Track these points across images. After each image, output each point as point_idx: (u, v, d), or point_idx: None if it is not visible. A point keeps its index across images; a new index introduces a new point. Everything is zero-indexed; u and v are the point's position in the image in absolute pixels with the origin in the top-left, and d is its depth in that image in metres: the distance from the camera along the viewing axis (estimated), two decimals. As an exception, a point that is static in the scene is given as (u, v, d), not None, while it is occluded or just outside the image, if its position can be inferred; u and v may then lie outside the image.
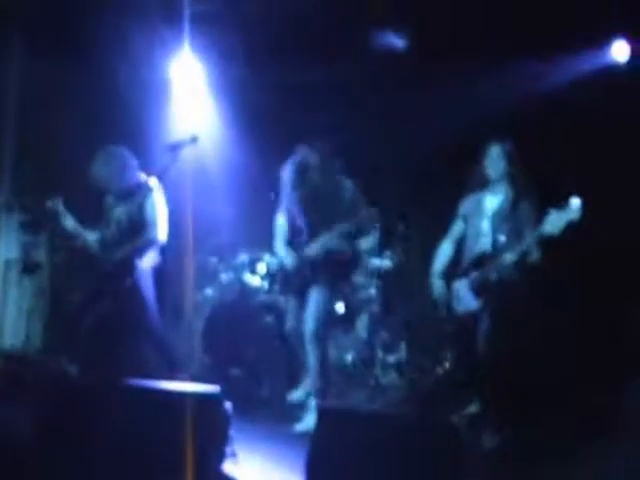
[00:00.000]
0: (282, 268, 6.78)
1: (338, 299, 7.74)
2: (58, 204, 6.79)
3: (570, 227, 5.51)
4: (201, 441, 4.18)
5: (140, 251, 6.67)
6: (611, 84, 7.44)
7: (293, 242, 6.70)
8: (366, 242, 6.73)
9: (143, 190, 6.65)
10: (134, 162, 6.84)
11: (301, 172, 6.64)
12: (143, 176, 6.83)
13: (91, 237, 6.83)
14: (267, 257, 7.95)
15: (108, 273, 6.70)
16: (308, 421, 6.24)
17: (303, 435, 5.91)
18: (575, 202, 5.47)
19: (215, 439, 4.36)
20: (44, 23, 8.11)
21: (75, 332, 6.77)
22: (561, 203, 5.51)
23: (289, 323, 6.77)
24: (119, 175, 6.76)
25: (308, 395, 6.68)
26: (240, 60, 8.35)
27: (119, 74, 8.38)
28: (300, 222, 6.68)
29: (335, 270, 6.58)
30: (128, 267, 6.63)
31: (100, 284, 6.76)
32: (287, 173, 6.71)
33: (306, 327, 6.48)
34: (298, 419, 6.41)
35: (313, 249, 6.54)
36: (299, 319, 6.65)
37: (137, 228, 6.67)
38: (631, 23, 7.41)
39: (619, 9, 7.14)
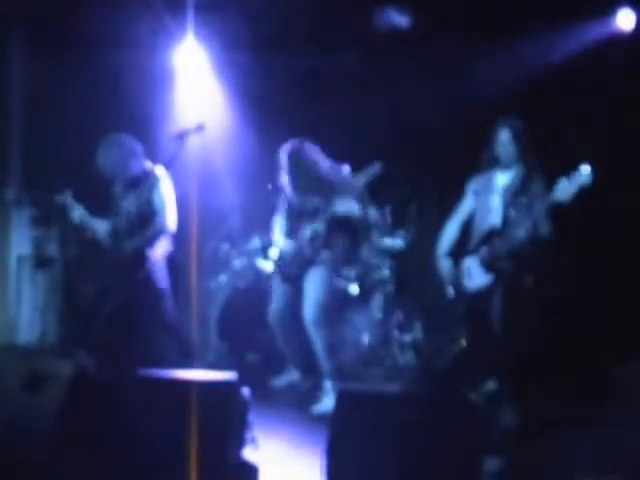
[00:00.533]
0: (281, 257, 6.80)
1: (344, 279, 7.75)
2: (67, 197, 6.81)
3: (582, 193, 5.49)
4: (220, 428, 4.19)
5: (151, 241, 6.68)
6: (617, 53, 7.38)
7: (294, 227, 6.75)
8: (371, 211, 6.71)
9: (151, 179, 6.65)
10: (139, 149, 6.83)
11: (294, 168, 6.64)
12: (150, 165, 6.83)
13: (102, 228, 6.84)
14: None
15: (121, 264, 6.70)
16: (325, 403, 6.25)
17: (321, 417, 5.93)
18: (585, 168, 5.46)
19: (234, 425, 4.36)
20: (47, 13, 8.11)
21: (91, 325, 6.79)
22: (569, 172, 5.49)
23: (274, 306, 6.80)
24: (124, 163, 6.76)
25: (291, 381, 6.91)
26: (245, 47, 8.32)
27: (124, 64, 8.37)
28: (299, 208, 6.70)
29: (342, 243, 6.58)
30: (141, 257, 6.64)
31: (113, 276, 6.77)
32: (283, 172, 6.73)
33: (305, 313, 6.45)
34: (316, 401, 6.42)
35: (309, 228, 6.55)
36: (286, 303, 6.68)
37: (147, 218, 6.68)
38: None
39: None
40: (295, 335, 6.73)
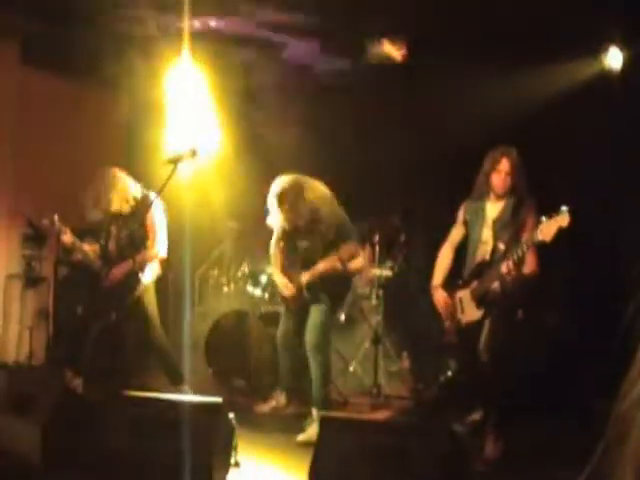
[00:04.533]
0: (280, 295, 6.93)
1: (340, 311, 7.84)
2: (54, 221, 6.78)
3: (561, 234, 5.53)
4: (206, 450, 4.20)
5: (142, 266, 6.70)
6: (605, 91, 7.46)
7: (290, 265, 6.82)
8: (355, 264, 6.77)
9: (143, 205, 6.66)
10: (130, 182, 6.86)
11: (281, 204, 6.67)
12: (143, 191, 6.84)
13: (91, 251, 6.84)
14: (268, 269, 7.98)
15: (111, 287, 6.71)
16: (310, 432, 6.25)
17: (305, 445, 5.96)
18: (564, 210, 5.49)
19: (219, 449, 4.38)
20: (42, 37, 8.17)
21: (79, 346, 6.80)
22: (551, 212, 5.53)
23: (281, 328, 6.88)
24: (118, 198, 6.77)
25: (276, 407, 6.96)
26: (240, 72, 8.39)
27: (118, 87, 8.43)
28: (293, 246, 6.79)
29: (332, 290, 6.65)
30: (131, 281, 6.65)
31: (103, 298, 6.78)
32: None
33: (307, 337, 6.56)
34: (301, 430, 6.44)
35: (308, 276, 6.63)
36: (290, 326, 6.77)
37: (138, 243, 6.68)
38: (624, 30, 7.44)
39: (613, 16, 7.18)
40: (295, 358, 6.79)
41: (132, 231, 6.69)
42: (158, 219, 6.76)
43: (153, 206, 6.67)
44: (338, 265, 6.59)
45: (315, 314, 6.60)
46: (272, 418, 6.92)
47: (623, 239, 7.39)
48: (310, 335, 6.55)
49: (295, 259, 6.80)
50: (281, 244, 6.91)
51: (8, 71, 8.44)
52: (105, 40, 7.92)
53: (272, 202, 6.65)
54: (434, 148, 8.33)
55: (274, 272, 6.97)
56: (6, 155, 8.46)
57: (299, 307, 6.72)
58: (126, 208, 6.80)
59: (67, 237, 6.81)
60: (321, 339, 6.56)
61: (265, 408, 7.05)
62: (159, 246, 6.74)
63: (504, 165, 6.06)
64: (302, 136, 8.06)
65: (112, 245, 6.83)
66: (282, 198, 6.58)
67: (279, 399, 7.05)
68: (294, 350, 6.78)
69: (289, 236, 6.81)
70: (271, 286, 7.80)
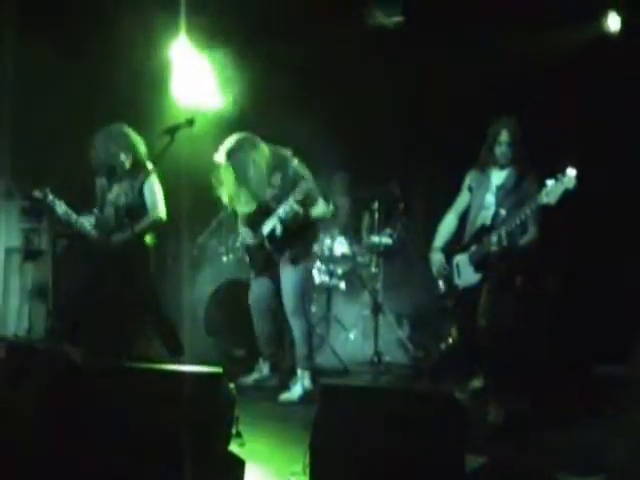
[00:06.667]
0: (245, 245, 6.89)
1: (331, 275, 7.87)
2: (46, 193, 6.71)
3: (566, 197, 5.53)
4: (206, 421, 4.20)
5: (142, 234, 6.67)
6: (604, 55, 7.43)
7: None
8: (316, 210, 6.61)
9: (142, 173, 6.63)
10: (139, 140, 6.81)
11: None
12: (141, 158, 6.79)
13: (87, 222, 6.80)
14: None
15: (109, 257, 6.67)
16: (294, 392, 6.48)
17: (288, 405, 6.31)
18: (570, 172, 5.50)
19: (220, 420, 4.37)
20: (40, 7, 8.12)
21: (78, 317, 6.79)
22: (557, 174, 5.53)
23: (252, 293, 6.90)
24: (125, 153, 6.73)
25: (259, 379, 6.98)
26: (237, 40, 8.34)
27: (117, 58, 8.37)
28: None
29: (292, 240, 6.55)
30: (130, 250, 6.62)
31: (101, 268, 6.76)
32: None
33: (284, 304, 6.58)
34: (286, 389, 6.49)
35: (268, 225, 6.56)
36: (262, 292, 6.79)
37: (137, 211, 6.65)
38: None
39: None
40: (269, 324, 6.81)
41: (131, 199, 6.63)
42: (157, 188, 6.73)
43: (152, 175, 6.66)
44: (298, 208, 6.39)
45: (287, 277, 6.56)
46: (273, 387, 6.91)
47: (625, 204, 7.38)
48: (286, 301, 6.57)
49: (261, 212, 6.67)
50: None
51: (3, 41, 8.38)
52: (102, 7, 7.87)
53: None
54: (434, 115, 8.30)
55: (239, 225, 6.93)
56: (4, 127, 8.41)
57: (266, 263, 6.69)
58: (125, 170, 6.75)
59: (61, 209, 6.75)
60: (298, 303, 6.56)
61: (248, 380, 7.00)
62: (160, 214, 6.70)
63: (504, 136, 6.12)
64: (300, 106, 8.01)
65: (108, 213, 6.77)
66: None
67: (262, 370, 7.03)
68: (269, 315, 6.79)
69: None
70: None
